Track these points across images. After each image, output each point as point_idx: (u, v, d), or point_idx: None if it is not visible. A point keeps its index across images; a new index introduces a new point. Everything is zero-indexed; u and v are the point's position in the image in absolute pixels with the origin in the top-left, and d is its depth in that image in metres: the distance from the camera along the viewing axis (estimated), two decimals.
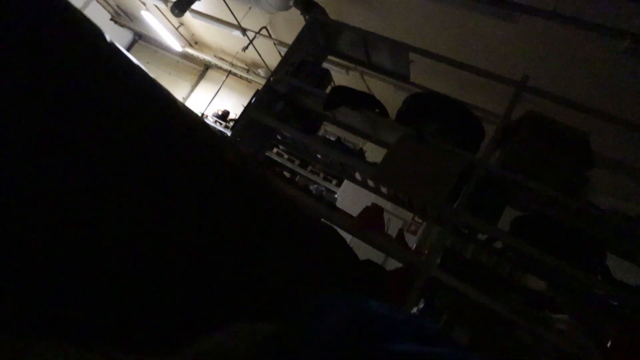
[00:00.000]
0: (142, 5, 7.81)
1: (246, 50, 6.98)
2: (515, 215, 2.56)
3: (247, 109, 3.14)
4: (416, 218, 5.87)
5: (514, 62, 4.32)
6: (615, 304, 2.38)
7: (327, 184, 6.96)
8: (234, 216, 0.78)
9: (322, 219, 2.68)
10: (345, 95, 2.83)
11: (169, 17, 7.82)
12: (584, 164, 2.40)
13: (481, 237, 2.80)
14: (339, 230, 2.25)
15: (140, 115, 0.56)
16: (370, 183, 3.09)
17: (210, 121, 8.28)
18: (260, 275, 0.87)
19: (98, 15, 9.20)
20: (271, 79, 3.11)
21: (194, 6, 5.96)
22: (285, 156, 7.18)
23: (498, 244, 2.79)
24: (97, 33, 0.52)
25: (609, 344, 2.10)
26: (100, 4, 9.08)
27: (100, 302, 0.54)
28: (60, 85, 0.45)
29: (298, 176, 6.94)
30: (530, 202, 2.62)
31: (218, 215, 0.73)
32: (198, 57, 9.41)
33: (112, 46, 0.53)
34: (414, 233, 5.88)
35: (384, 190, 3.06)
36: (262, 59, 7.68)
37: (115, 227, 0.54)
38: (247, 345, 0.63)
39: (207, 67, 9.97)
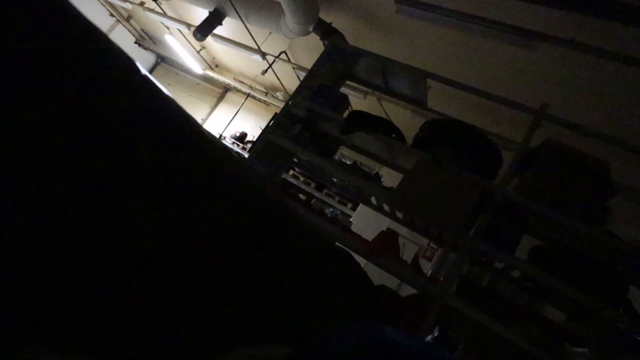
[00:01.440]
0: (166, 30, 8.07)
1: (265, 74, 7.11)
2: (534, 243, 2.51)
3: (265, 132, 3.18)
4: (432, 244, 5.80)
5: (533, 89, 4.31)
6: (639, 338, 2.30)
7: (342, 207, 6.95)
8: (252, 239, 0.78)
9: (337, 243, 2.67)
10: (363, 120, 2.85)
11: (191, 41, 8.04)
12: (604, 193, 2.35)
13: (498, 265, 2.75)
14: (353, 254, 2.24)
15: (170, 142, 0.58)
16: (386, 207, 3.08)
17: (228, 142, 8.39)
18: (277, 299, 0.87)
19: (123, 39, 9.54)
20: (289, 102, 3.16)
21: (216, 30, 6.14)
22: (301, 179, 7.21)
23: (515, 273, 2.74)
24: (132, 66, 0.54)
25: None
26: (126, 27, 9.41)
27: (119, 322, 0.55)
28: (96, 115, 0.48)
29: (314, 199, 6.95)
30: (549, 231, 2.57)
31: (236, 238, 0.74)
32: (218, 80, 9.62)
33: (146, 79, 0.56)
34: (430, 259, 5.80)
35: (399, 215, 3.04)
36: (281, 83, 7.80)
37: (139, 249, 0.55)
38: None
39: (226, 89, 10.17)
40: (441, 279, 2.65)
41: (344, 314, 1.21)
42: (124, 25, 9.30)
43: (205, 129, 0.70)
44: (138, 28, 9.61)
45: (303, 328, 0.87)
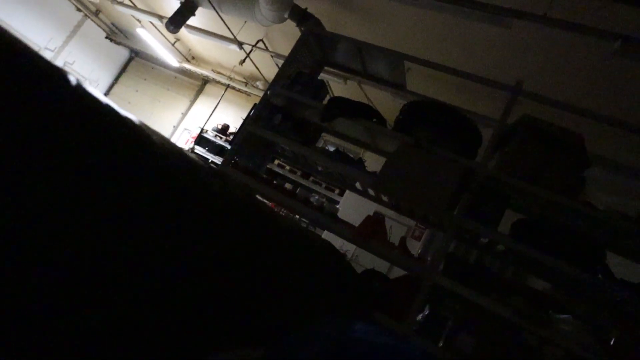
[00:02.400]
0: (137, 23, 7.89)
1: (243, 64, 7.04)
2: (516, 218, 2.58)
3: (245, 123, 3.17)
4: (420, 224, 5.89)
5: (509, 66, 4.36)
6: (618, 299, 2.40)
7: (329, 194, 6.98)
8: (217, 240, 0.77)
9: (325, 230, 2.69)
10: (342, 106, 2.86)
11: (164, 34, 7.89)
12: (580, 164, 2.42)
13: (483, 241, 2.82)
14: (343, 240, 2.27)
15: (110, 153, 0.55)
16: (371, 192, 3.12)
17: (210, 136, 8.31)
18: (251, 300, 0.87)
19: (93, 34, 9.34)
20: (268, 92, 3.14)
21: (189, 21, 6.03)
22: (287, 168, 7.20)
23: (500, 247, 2.81)
24: (62, 77, 0.50)
25: (612, 342, 2.11)
26: (95, 22, 9.18)
27: (96, 328, 0.55)
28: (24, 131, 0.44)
29: (299, 188, 6.96)
30: (529, 205, 2.64)
31: (201, 240, 0.73)
32: (196, 72, 9.49)
33: (78, 89, 0.51)
34: (418, 239, 5.89)
35: (385, 198, 3.08)
36: (260, 72, 7.74)
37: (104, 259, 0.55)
38: None
39: (205, 81, 10.03)
40: (429, 259, 2.71)
41: (325, 309, 1.22)
42: (92, 20, 9.06)
43: (154, 132, 0.65)
44: (108, 22, 9.37)
45: (282, 328, 0.87)
